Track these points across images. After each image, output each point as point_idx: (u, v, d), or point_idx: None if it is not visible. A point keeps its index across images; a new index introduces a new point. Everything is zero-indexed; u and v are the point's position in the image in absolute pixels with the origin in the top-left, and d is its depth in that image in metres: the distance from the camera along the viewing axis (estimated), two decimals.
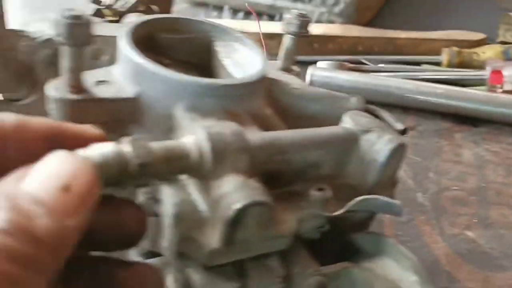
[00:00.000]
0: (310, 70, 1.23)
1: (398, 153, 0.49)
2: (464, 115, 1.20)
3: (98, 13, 0.62)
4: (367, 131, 0.50)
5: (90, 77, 0.48)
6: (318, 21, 1.54)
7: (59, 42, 0.42)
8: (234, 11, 1.57)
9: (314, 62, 1.30)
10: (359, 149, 0.50)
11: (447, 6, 1.79)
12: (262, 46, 1.27)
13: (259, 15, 1.57)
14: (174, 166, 0.41)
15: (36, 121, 0.33)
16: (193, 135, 0.42)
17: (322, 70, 1.27)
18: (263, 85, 0.51)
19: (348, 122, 0.51)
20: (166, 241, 0.43)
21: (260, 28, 1.21)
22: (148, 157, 0.39)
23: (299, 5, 1.56)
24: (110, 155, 0.37)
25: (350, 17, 1.55)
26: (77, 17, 0.41)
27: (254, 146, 0.44)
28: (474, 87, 1.28)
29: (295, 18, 0.57)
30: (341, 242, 0.54)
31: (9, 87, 0.56)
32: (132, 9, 0.61)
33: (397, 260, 0.49)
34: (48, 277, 0.26)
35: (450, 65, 1.39)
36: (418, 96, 1.20)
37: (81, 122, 0.48)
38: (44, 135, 0.33)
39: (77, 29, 0.42)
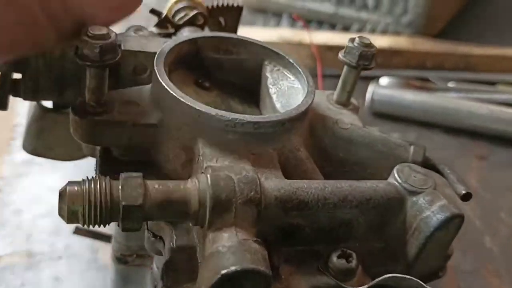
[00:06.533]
0: (371, 87, 1.11)
1: (451, 225, 0.40)
2: None
3: (162, 24, 0.59)
4: (416, 192, 0.41)
5: (119, 96, 0.45)
6: (384, 32, 1.37)
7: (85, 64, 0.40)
8: (293, 20, 1.46)
9: (377, 77, 1.16)
10: (404, 213, 0.42)
11: None
12: (316, 59, 1.17)
13: (320, 23, 1.43)
14: (170, 211, 0.37)
15: None
16: (199, 179, 0.38)
17: (385, 88, 1.14)
18: (301, 123, 0.45)
19: (396, 178, 0.42)
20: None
21: (311, 39, 1.12)
22: (137, 201, 0.36)
23: (363, 14, 1.39)
24: (93, 192, 0.35)
25: (419, 28, 1.36)
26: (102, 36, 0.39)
27: (269, 197, 0.38)
28: None
29: (357, 47, 0.49)
30: None
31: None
32: (190, 22, 0.57)
33: None
34: None
35: None
36: (492, 124, 1.05)
37: (99, 143, 0.46)
38: None
39: (104, 51, 0.39)
